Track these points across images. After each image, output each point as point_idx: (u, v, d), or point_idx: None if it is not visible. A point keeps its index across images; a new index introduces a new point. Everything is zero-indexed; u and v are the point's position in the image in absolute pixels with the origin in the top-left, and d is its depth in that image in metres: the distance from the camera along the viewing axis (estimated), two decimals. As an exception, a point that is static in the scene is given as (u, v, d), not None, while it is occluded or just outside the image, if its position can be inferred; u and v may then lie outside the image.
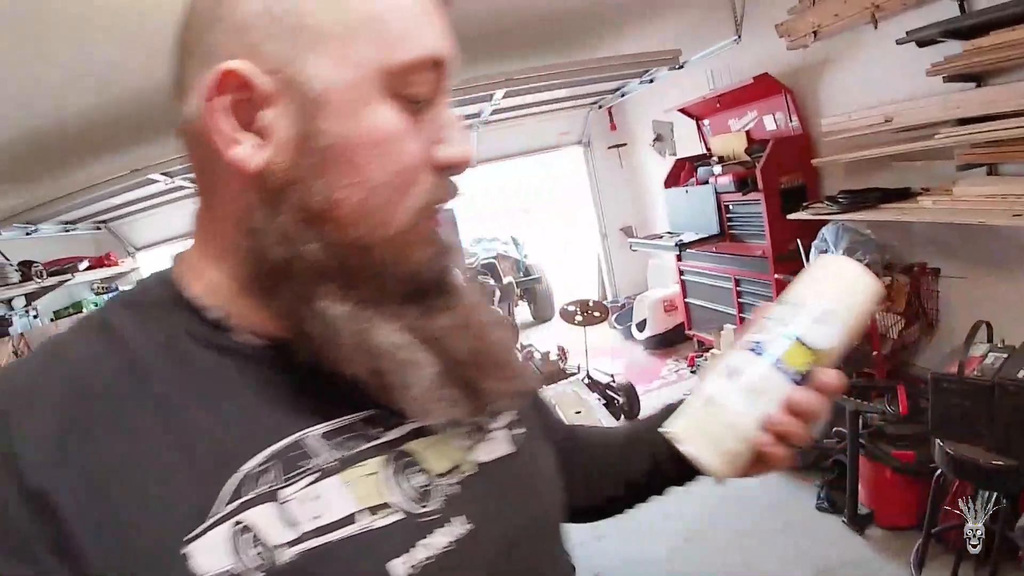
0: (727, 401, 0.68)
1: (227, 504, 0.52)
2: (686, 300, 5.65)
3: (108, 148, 4.48)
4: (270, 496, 0.54)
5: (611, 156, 7.36)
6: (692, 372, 5.34)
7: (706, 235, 4.91)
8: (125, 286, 5.99)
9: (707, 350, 5.36)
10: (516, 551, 0.65)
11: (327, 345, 0.57)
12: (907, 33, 2.86)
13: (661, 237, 5.53)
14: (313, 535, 0.54)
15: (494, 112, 5.43)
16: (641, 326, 6.35)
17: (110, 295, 5.67)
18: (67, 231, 5.63)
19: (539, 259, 9.10)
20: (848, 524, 3.04)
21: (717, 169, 4.79)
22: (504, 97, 4.82)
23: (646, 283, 7.23)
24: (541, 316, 8.76)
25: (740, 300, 4.84)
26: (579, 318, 4.77)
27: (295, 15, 0.55)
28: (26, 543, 0.49)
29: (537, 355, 4.88)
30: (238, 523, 0.52)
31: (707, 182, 4.90)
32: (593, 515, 0.94)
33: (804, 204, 3.93)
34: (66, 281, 5.05)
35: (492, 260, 7.96)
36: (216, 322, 0.60)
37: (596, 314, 4.80)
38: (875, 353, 3.28)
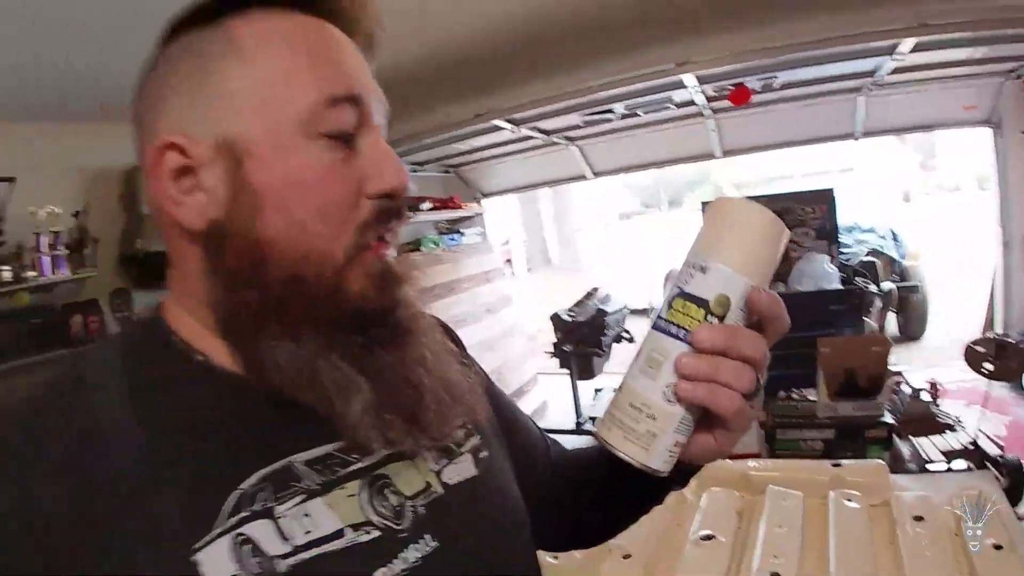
0: (629, 380, 0.69)
1: (228, 518, 0.57)
2: None
3: (460, 92, 4.32)
4: (266, 513, 0.59)
5: (1027, 143, 5.57)
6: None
7: None
8: (468, 230, 6.37)
9: None
10: (480, 567, 0.71)
11: (276, 379, 0.63)
12: None
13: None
14: (306, 548, 0.60)
15: (893, 72, 4.32)
16: (1042, 377, 4.79)
17: (452, 236, 6.12)
18: (415, 171, 5.82)
19: (918, 261, 7.59)
20: None
21: None
22: (912, 52, 3.77)
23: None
24: (909, 333, 7.33)
25: None
26: (989, 366, 3.40)
27: (212, 83, 0.64)
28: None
29: (906, 389, 3.86)
30: (239, 535, 0.57)
31: None
32: (593, 535, 1.01)
33: None
34: (410, 218, 5.17)
35: (871, 259, 6.57)
36: (201, 363, 0.66)
37: (1012, 365, 3.41)
38: None
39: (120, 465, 0.58)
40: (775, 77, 4.25)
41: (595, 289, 5.97)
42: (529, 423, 1.01)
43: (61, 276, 3.74)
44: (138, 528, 0.55)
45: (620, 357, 6.09)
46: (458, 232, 6.26)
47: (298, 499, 0.61)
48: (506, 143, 5.48)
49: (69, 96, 3.64)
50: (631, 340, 5.61)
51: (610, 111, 4.58)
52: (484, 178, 6.58)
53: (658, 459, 0.67)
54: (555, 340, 5.42)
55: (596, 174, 6.22)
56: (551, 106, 4.16)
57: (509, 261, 13.69)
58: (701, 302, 0.65)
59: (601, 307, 5.52)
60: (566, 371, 5.42)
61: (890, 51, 3.80)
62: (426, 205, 5.51)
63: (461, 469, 0.76)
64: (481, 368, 0.94)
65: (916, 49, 3.75)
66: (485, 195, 6.73)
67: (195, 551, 0.55)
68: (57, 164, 3.97)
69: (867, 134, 5.47)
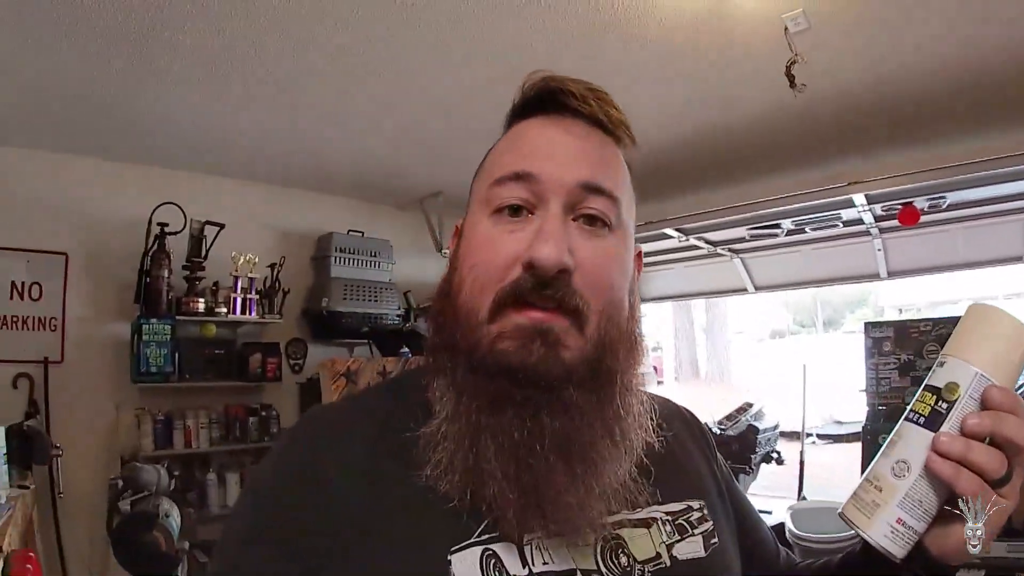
0: (874, 466, 0.74)
1: (481, 535, 0.69)
2: None
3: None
4: (512, 538, 0.69)
5: None
6: None
7: None
8: None
9: None
10: None
11: (434, 409, 0.76)
12: None
13: None
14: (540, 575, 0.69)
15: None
16: None
17: None
18: None
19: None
20: None
21: None
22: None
23: None
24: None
25: None
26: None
27: (473, 186, 0.85)
28: (317, 550, 0.68)
29: None
30: (487, 550, 0.68)
31: None
32: None
33: None
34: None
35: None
36: None
37: None
38: None
39: (405, 475, 0.71)
40: (944, 197, 4.23)
41: (749, 404, 5.87)
42: (761, 523, 1.03)
43: (249, 317, 4.25)
44: (409, 526, 0.69)
45: (766, 481, 5.92)
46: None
47: (540, 533, 0.70)
48: (671, 251, 5.63)
49: (283, 162, 4.27)
50: (780, 462, 5.44)
51: (777, 226, 4.69)
52: (645, 283, 6.67)
53: (878, 530, 0.71)
54: (702, 452, 5.35)
55: (757, 288, 6.19)
56: (721, 219, 4.34)
57: (656, 368, 13.62)
58: (934, 390, 0.72)
59: (753, 423, 5.43)
60: (711, 485, 5.31)
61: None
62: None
63: (692, 548, 0.80)
64: (724, 464, 1.00)
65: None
66: (643, 300, 6.79)
67: (452, 552, 0.67)
68: (262, 220, 4.60)
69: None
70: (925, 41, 2.92)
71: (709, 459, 0.97)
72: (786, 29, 2.74)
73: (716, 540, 0.83)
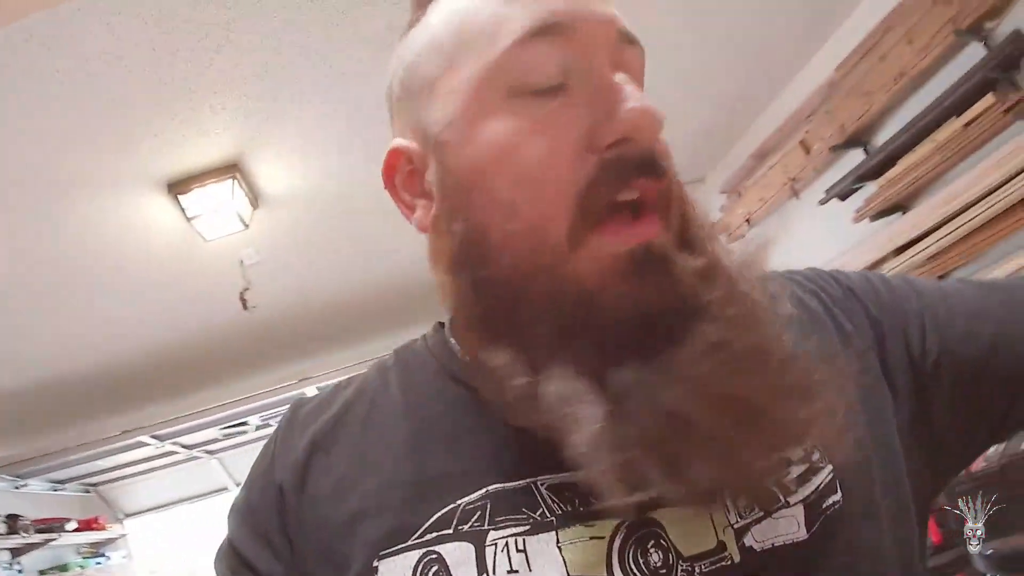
0: None
1: (429, 532, 0.52)
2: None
3: (103, 409, 4.79)
4: (473, 536, 0.51)
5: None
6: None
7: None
8: (113, 552, 6.07)
9: None
10: None
11: (493, 394, 0.51)
12: (826, 192, 2.99)
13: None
14: None
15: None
16: None
17: (98, 559, 5.84)
18: (56, 490, 5.71)
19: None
20: None
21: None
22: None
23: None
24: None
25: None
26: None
27: (411, 75, 0.58)
28: (265, 523, 0.60)
29: None
30: (430, 552, 0.51)
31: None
32: None
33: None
34: (52, 540, 5.08)
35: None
36: (464, 365, 0.60)
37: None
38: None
39: (360, 458, 0.59)
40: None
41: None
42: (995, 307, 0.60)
43: None
44: (346, 523, 0.55)
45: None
46: (103, 555, 6.01)
47: (520, 528, 0.51)
48: (149, 459, 5.73)
49: None
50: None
51: (245, 423, 5.26)
52: (127, 497, 6.52)
53: None
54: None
55: (238, 484, 6.44)
56: (193, 421, 4.78)
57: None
58: None
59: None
60: None
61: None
62: (71, 525, 5.43)
63: (780, 528, 0.50)
64: (902, 287, 0.64)
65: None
66: (128, 515, 6.58)
67: (381, 557, 0.52)
68: None
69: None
70: (337, 271, 3.99)
71: (844, 323, 0.61)
72: (242, 262, 3.46)
73: (837, 498, 0.52)
